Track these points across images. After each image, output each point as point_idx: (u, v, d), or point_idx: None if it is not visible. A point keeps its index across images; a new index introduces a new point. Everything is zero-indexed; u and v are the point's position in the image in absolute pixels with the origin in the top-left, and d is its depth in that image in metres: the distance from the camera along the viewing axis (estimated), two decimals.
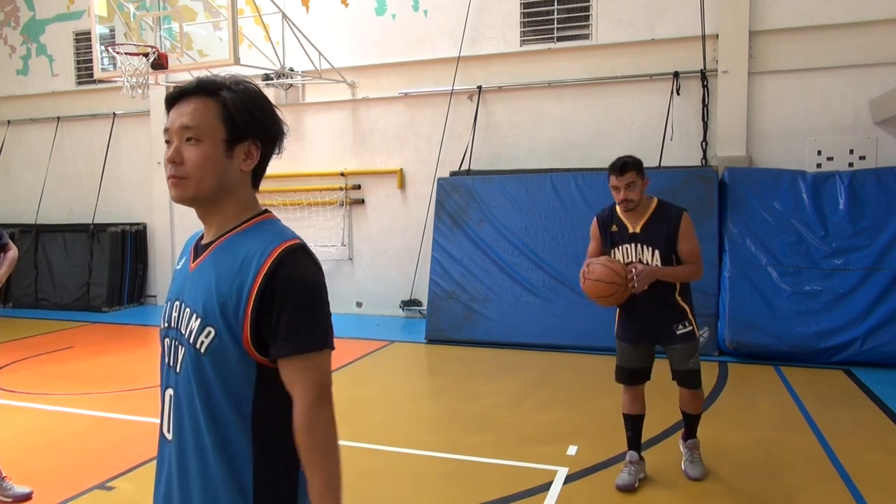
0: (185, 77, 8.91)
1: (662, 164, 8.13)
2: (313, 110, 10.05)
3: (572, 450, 4.54)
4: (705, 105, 8.18)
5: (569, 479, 4.10)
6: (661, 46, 8.35)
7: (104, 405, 5.71)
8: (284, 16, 9.14)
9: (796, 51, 7.89)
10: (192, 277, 1.56)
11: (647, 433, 4.22)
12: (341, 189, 9.82)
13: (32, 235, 11.08)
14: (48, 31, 11.58)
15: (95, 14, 8.77)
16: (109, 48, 8.24)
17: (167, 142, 1.54)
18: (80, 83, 11.44)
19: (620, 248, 3.90)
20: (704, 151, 8.21)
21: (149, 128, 10.92)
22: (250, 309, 1.44)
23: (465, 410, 5.50)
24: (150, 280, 11.18)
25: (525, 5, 8.91)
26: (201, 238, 1.62)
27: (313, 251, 1.56)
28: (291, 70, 9.58)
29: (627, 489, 3.89)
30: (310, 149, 10.00)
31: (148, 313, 10.35)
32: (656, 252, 3.81)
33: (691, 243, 3.82)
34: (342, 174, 9.82)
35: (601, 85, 8.66)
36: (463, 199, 8.43)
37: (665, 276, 3.78)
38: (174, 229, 10.93)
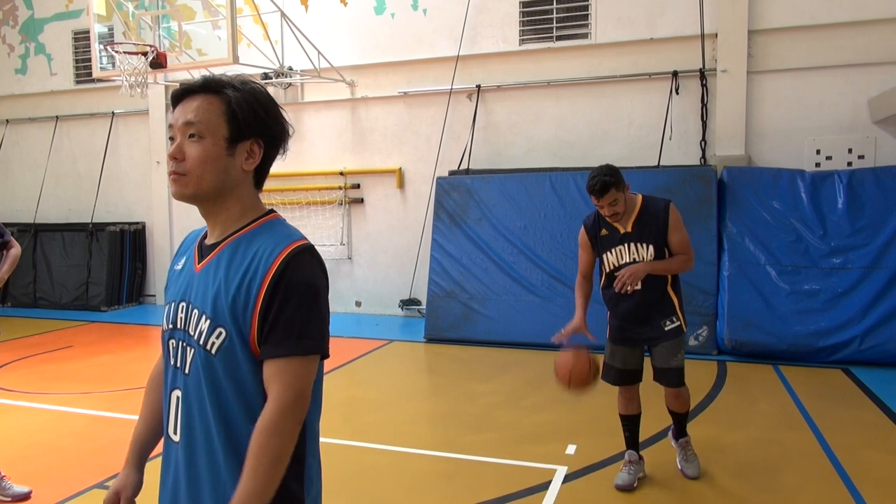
0: (183, 76, 8.92)
1: (661, 164, 8.13)
2: (312, 109, 10.04)
3: (571, 449, 4.55)
4: (704, 104, 8.18)
5: (568, 478, 4.11)
6: (660, 46, 8.36)
7: (103, 404, 5.71)
8: (283, 15, 9.14)
9: (795, 50, 7.90)
10: (197, 278, 1.55)
11: (645, 432, 4.23)
12: (340, 188, 9.82)
13: (31, 235, 11.07)
14: (47, 30, 11.57)
15: (94, 13, 8.77)
16: (108, 47, 8.24)
17: (171, 138, 1.54)
18: (78, 82, 11.42)
19: (614, 250, 3.87)
20: (703, 150, 8.22)
21: (147, 127, 10.92)
22: (258, 309, 1.44)
23: (464, 409, 5.50)
24: (148, 279, 11.17)
25: (524, 4, 8.90)
26: (204, 238, 1.61)
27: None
28: (290, 69, 9.57)
29: (626, 488, 3.89)
30: (309, 148, 9.99)
31: (147, 313, 10.34)
32: (650, 247, 3.81)
33: (681, 233, 3.83)
34: (341, 173, 9.83)
35: (600, 84, 8.66)
36: (462, 198, 8.43)
37: (657, 270, 3.78)
38: (173, 228, 10.92)
